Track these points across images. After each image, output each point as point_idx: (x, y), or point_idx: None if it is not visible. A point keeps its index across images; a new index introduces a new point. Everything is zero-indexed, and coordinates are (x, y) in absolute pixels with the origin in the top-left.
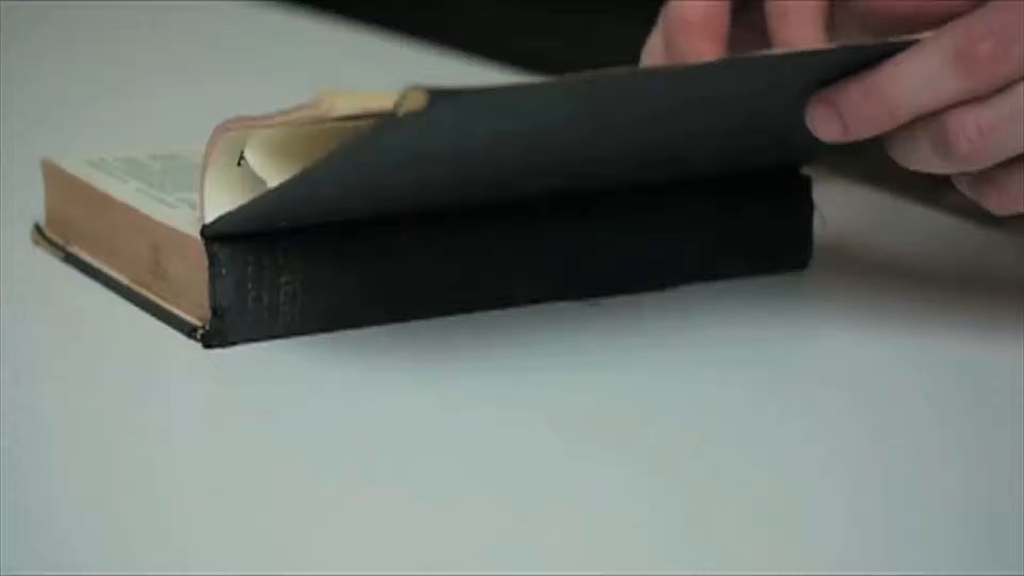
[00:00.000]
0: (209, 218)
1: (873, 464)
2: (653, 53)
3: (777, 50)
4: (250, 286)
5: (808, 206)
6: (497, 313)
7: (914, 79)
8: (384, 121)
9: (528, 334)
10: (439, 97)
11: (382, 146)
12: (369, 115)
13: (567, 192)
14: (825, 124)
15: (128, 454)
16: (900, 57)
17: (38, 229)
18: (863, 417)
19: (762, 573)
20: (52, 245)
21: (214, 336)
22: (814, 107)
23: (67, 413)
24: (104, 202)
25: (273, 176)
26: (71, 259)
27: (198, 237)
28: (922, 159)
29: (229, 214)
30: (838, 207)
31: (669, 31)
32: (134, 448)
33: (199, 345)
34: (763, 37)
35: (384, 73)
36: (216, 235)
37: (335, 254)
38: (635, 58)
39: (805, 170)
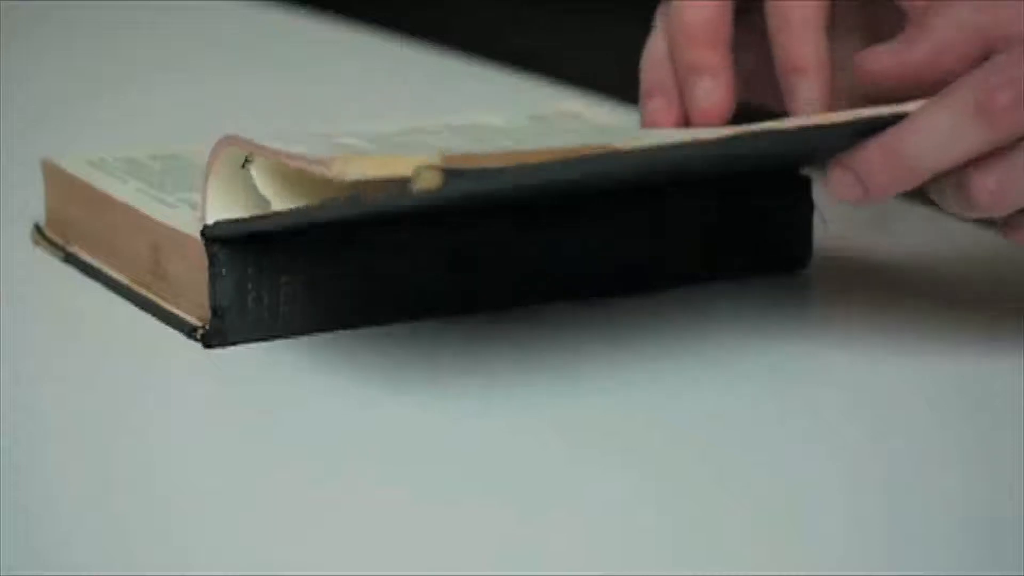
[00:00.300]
0: (210, 221)
1: (873, 466)
2: (655, 61)
3: (783, 122)
4: (250, 286)
5: (808, 206)
6: (498, 314)
7: (934, 138)
8: (395, 193)
9: (529, 335)
10: (454, 176)
11: (391, 203)
12: (380, 180)
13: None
14: (845, 189)
15: (128, 454)
16: (917, 114)
17: (38, 229)
18: (863, 418)
19: (766, 574)
20: (52, 245)
21: (214, 336)
22: (832, 171)
23: (67, 413)
24: (104, 202)
25: (277, 199)
26: (71, 259)
27: (198, 237)
28: (945, 205)
29: (229, 222)
30: (838, 207)
31: (673, 39)
32: (134, 448)
33: (199, 345)
34: (763, 39)
35: (384, 73)
36: (216, 236)
37: (335, 254)
38: (635, 59)
39: (805, 170)
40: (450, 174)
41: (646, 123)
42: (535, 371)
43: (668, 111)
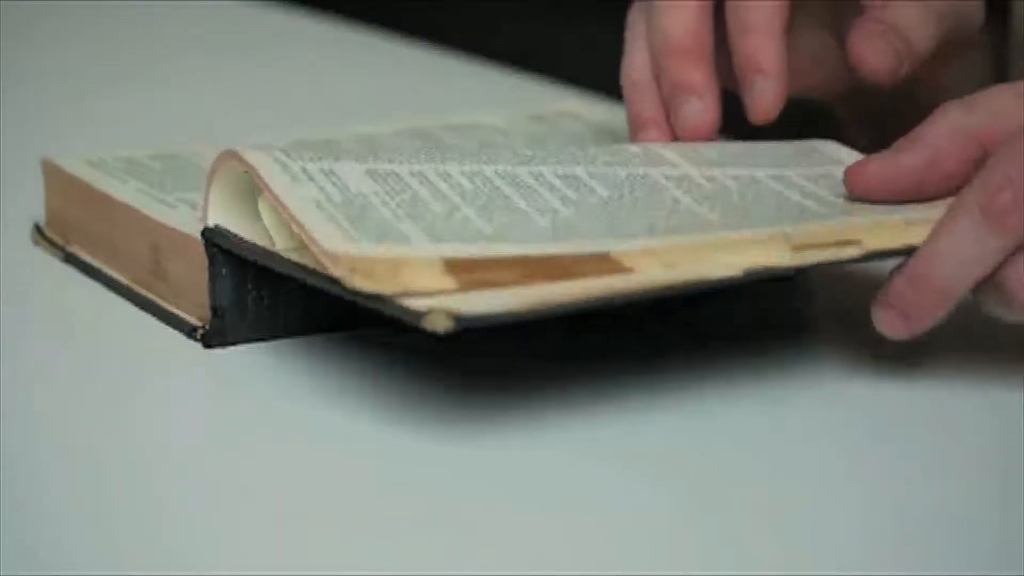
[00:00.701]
0: (212, 223)
1: (883, 475)
2: (640, 84)
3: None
4: (250, 286)
5: None
6: None
7: (956, 256)
8: (403, 316)
9: (528, 336)
10: (464, 321)
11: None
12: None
13: None
14: (891, 326)
15: (128, 454)
16: (933, 237)
17: (38, 229)
18: (866, 423)
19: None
20: (52, 245)
21: (214, 336)
22: (877, 313)
23: (67, 413)
24: (104, 202)
25: (278, 233)
26: (71, 259)
27: (198, 237)
28: (992, 311)
29: (230, 236)
30: None
31: (656, 56)
32: (134, 448)
33: (199, 345)
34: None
35: (384, 73)
36: (217, 236)
37: None
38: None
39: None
40: (462, 321)
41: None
42: (536, 372)
43: (660, 138)
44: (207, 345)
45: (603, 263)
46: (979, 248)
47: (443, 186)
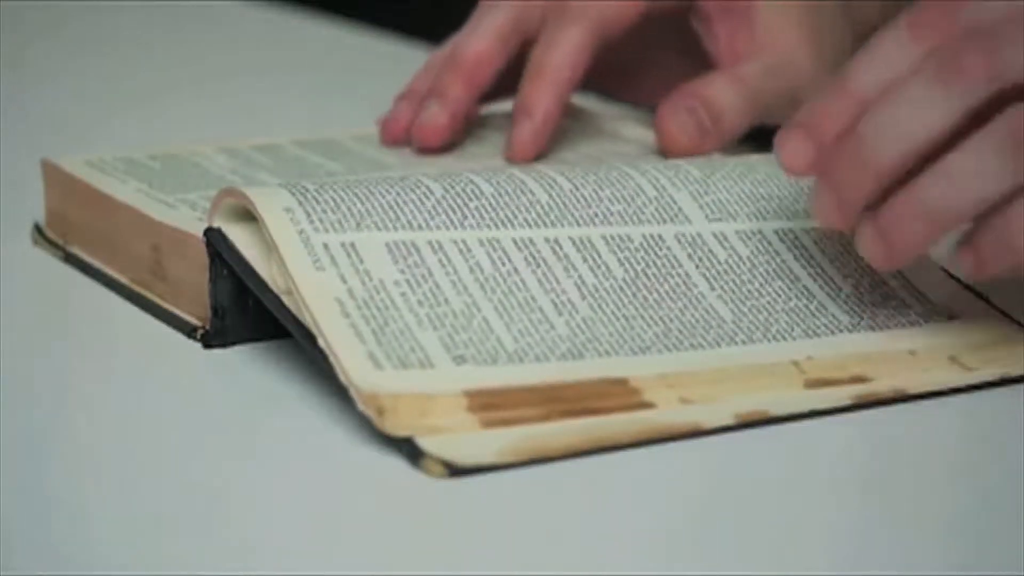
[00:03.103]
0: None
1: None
2: (431, 66)
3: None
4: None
5: None
6: None
7: (961, 179)
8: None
9: None
10: (457, 471)
11: None
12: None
13: None
14: (867, 243)
15: (128, 454)
16: (941, 162)
17: (38, 229)
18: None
19: None
20: (52, 245)
21: (214, 336)
22: (859, 226)
23: (67, 413)
24: (104, 202)
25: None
26: (71, 259)
27: (198, 237)
28: (968, 269)
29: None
30: None
31: (445, 58)
32: (133, 448)
33: (199, 345)
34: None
35: (384, 73)
36: (219, 243)
37: None
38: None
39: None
40: (454, 471)
41: (386, 121)
42: None
43: (406, 113)
44: (207, 345)
45: (620, 391)
46: (985, 174)
47: (462, 267)
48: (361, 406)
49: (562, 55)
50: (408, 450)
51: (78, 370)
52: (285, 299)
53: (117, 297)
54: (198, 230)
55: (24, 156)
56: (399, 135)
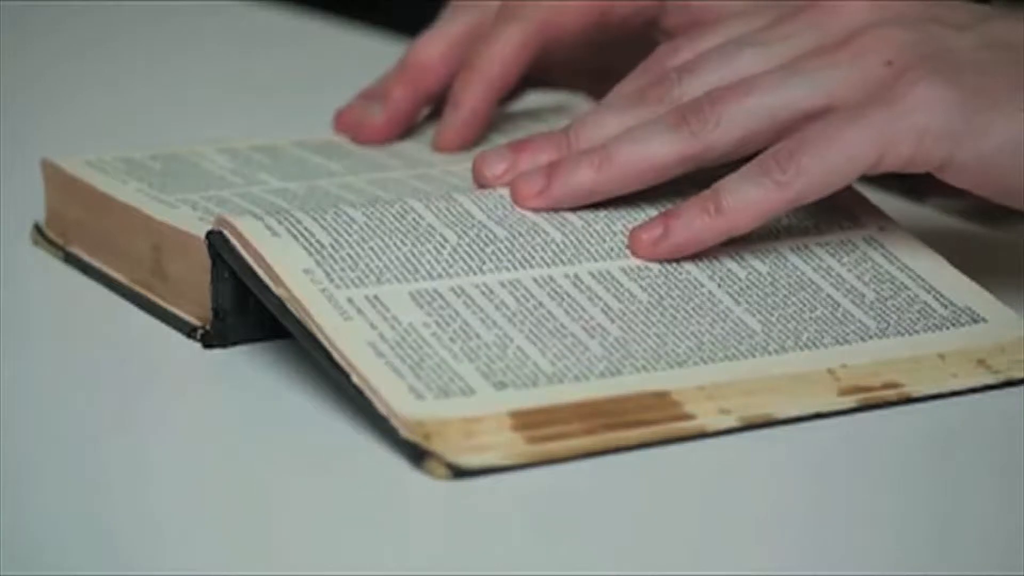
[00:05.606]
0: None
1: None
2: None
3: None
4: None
5: None
6: None
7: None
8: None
9: None
10: (461, 473)
11: None
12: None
13: None
14: (527, 183)
15: (127, 454)
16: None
17: (38, 229)
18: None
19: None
20: (52, 245)
21: (214, 336)
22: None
23: (66, 413)
24: (104, 202)
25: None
26: (71, 259)
27: (199, 237)
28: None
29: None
30: None
31: (401, 61)
32: (133, 448)
33: (199, 345)
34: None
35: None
36: (221, 247)
37: None
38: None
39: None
40: (459, 473)
41: (339, 112)
42: None
43: (356, 109)
44: (207, 345)
45: (662, 403)
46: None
47: (487, 306)
48: (405, 433)
49: (494, 51)
50: (411, 452)
51: (78, 370)
52: (292, 304)
53: (117, 297)
54: (198, 230)
55: (24, 156)
56: (346, 129)
